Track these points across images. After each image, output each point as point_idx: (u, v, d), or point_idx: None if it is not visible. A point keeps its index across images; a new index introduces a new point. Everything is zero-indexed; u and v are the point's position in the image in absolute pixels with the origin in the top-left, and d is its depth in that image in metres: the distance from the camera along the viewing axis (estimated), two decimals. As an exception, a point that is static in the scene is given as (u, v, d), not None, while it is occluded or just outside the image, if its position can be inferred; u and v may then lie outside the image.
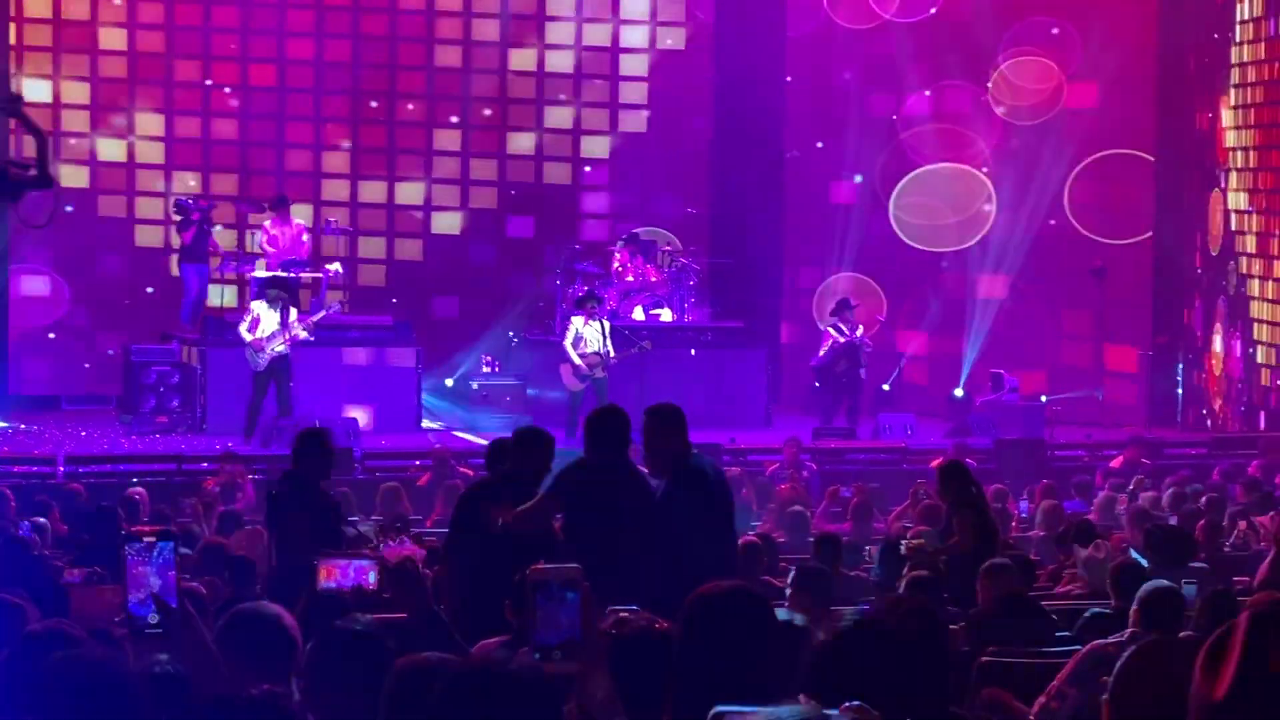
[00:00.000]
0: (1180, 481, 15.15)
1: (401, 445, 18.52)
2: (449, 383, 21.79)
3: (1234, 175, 20.50)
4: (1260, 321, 20.06)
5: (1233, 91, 20.46)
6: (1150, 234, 22.12)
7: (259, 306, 18.61)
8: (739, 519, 9.69)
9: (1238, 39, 20.36)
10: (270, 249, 20.18)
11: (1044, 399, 21.23)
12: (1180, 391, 21.59)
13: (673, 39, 24.29)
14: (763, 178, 23.66)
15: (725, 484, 8.68)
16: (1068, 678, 6.99)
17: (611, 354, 19.08)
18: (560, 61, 24.04)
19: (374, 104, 23.87)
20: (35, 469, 17.05)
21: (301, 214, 21.39)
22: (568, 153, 24.18)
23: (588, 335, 19.06)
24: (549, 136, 24.07)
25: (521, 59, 23.98)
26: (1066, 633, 8.42)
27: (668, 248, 22.04)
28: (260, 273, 20.02)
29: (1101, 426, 20.75)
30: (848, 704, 3.58)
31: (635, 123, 24.24)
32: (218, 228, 20.99)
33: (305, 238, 20.53)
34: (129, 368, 20.16)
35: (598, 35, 24.11)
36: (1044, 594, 10.24)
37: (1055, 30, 22.28)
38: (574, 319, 19.36)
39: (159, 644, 3.97)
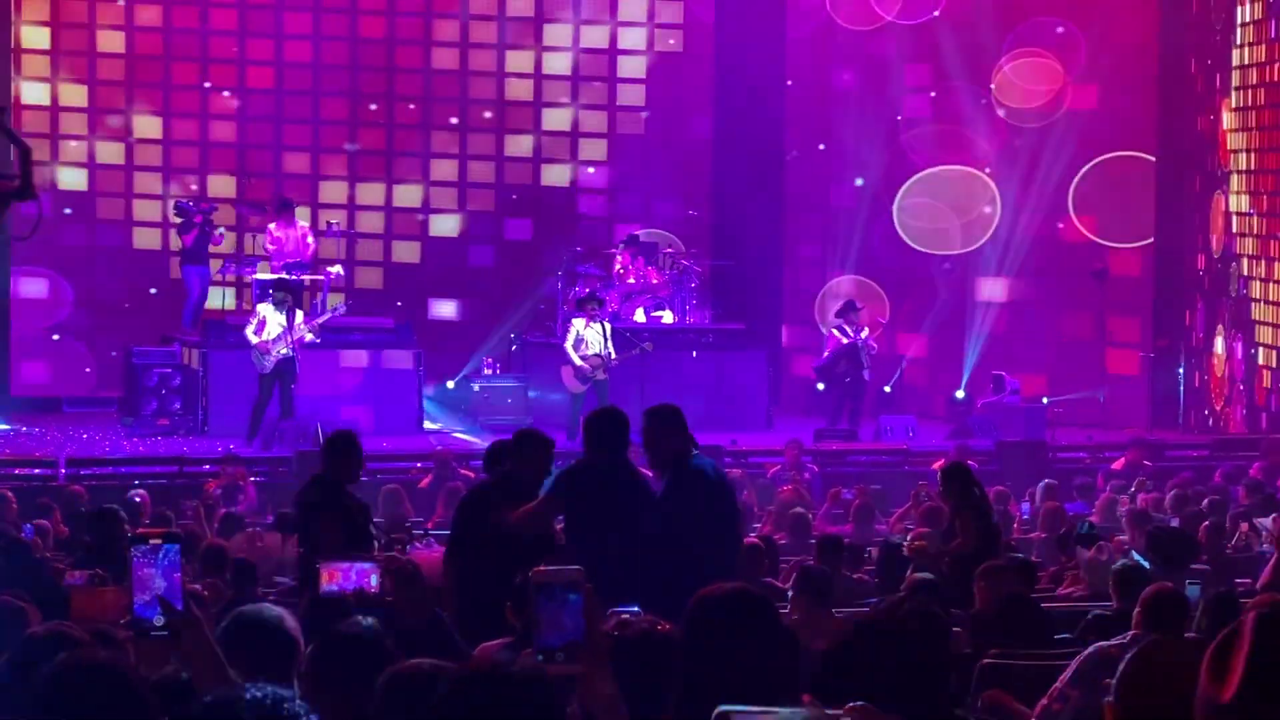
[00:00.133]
0: (1183, 484, 15.15)
1: (402, 447, 18.52)
2: (450, 385, 21.79)
3: (1235, 177, 20.49)
4: (1262, 323, 20.05)
5: (1234, 93, 20.45)
6: (1152, 236, 22.10)
7: (264, 309, 18.61)
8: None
9: (1239, 41, 20.36)
10: (273, 249, 20.21)
11: (1045, 401, 21.22)
12: (1182, 393, 21.58)
13: (672, 41, 24.28)
14: (763, 180, 23.66)
15: (726, 484, 8.67)
16: (1070, 680, 6.97)
17: (613, 356, 19.08)
18: (558, 64, 24.04)
19: (373, 106, 23.87)
20: (36, 471, 17.06)
21: (300, 216, 21.38)
22: (566, 155, 24.18)
23: (589, 337, 19.06)
24: (547, 139, 24.07)
25: (519, 61, 23.98)
26: (1068, 635, 8.42)
27: (669, 250, 22.05)
28: (262, 275, 20.03)
29: (1103, 428, 20.75)
30: (851, 704, 3.58)
31: (634, 125, 24.23)
32: (220, 230, 21.00)
33: (310, 240, 20.55)
34: (130, 370, 20.17)
35: (596, 37, 24.10)
36: (1045, 596, 10.24)
37: (1060, 29, 22.24)
38: (575, 321, 19.35)
39: (165, 646, 3.97)
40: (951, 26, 22.74)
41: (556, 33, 24.01)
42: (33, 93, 22.77)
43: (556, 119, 24.10)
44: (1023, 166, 22.36)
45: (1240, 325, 20.52)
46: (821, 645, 6.04)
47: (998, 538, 10.70)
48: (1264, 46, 19.88)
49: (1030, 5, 22.66)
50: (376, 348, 20.43)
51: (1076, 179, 22.19)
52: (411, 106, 23.90)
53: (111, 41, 23.10)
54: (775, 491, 15.99)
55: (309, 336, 18.67)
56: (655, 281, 21.24)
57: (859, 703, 3.57)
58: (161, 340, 20.81)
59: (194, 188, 23.10)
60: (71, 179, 23.03)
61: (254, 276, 20.35)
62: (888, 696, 3.74)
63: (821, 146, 23.97)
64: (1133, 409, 21.70)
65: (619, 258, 21.25)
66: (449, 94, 23.85)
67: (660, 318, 21.18)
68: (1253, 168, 20.18)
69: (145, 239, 23.30)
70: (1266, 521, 12.90)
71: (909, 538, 11.15)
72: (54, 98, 22.90)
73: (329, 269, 20.78)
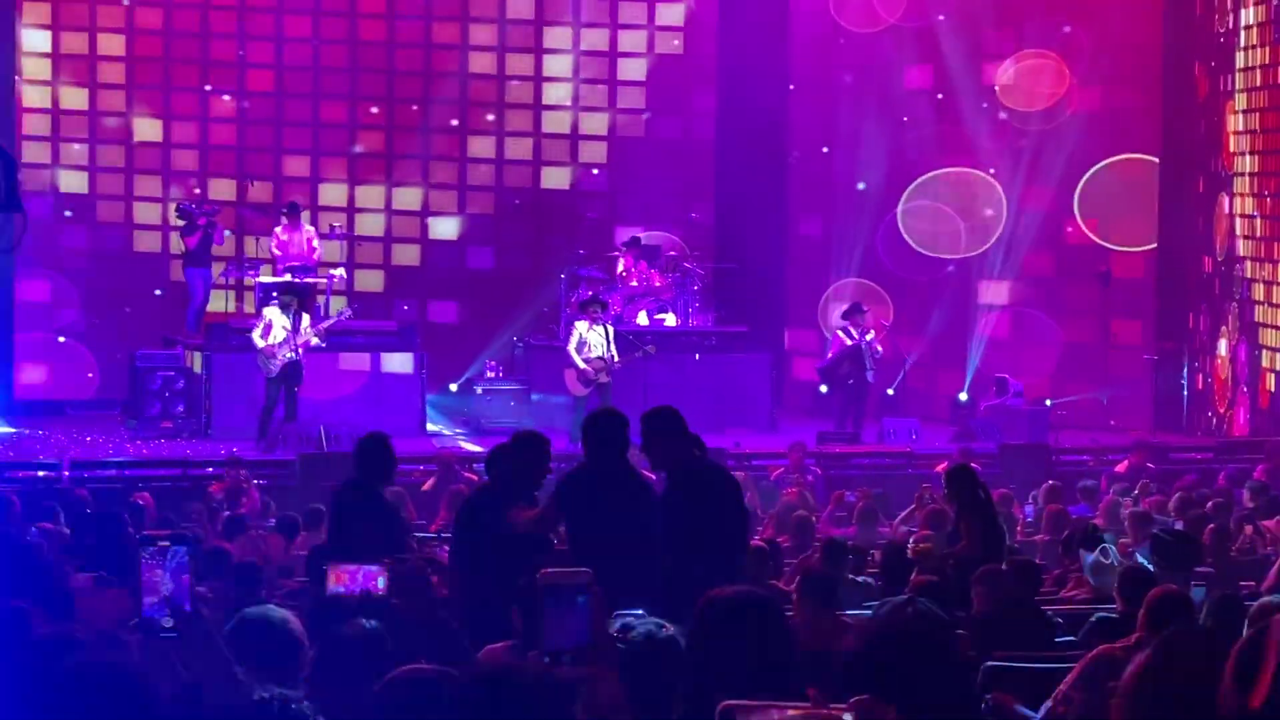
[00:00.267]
0: (1187, 487, 15.12)
1: (405, 450, 18.43)
2: (453, 388, 21.79)
3: (1240, 180, 20.47)
4: (1266, 326, 20.03)
5: (1239, 96, 20.43)
6: (1156, 238, 22.08)
7: (271, 312, 18.60)
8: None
9: (1243, 43, 20.34)
10: (278, 253, 20.22)
11: (1049, 403, 21.21)
12: (1185, 396, 21.56)
13: (675, 42, 24.28)
14: (766, 182, 23.65)
15: (730, 485, 8.62)
16: (1074, 682, 6.96)
17: (616, 359, 19.07)
18: (559, 66, 24.03)
19: (373, 109, 23.87)
20: (40, 474, 17.06)
21: (304, 220, 21.38)
22: (567, 158, 24.18)
23: (592, 340, 19.05)
24: (548, 141, 24.07)
25: (520, 64, 23.97)
26: (1072, 637, 8.41)
27: (672, 253, 22.04)
28: (266, 278, 20.02)
29: (1106, 431, 20.73)
30: (855, 698, 3.58)
31: (636, 127, 24.23)
32: (226, 233, 20.99)
33: (317, 243, 20.55)
34: (134, 373, 20.17)
35: (597, 39, 24.10)
36: (1049, 598, 10.23)
37: (1064, 31, 22.24)
38: (578, 324, 19.34)
39: (173, 647, 3.98)
40: (954, 28, 22.73)
41: (557, 35, 24.02)
42: (34, 96, 22.77)
43: (557, 121, 24.10)
44: (1026, 169, 22.34)
45: (1244, 328, 20.50)
46: (824, 648, 6.05)
47: (1002, 540, 10.69)
48: (1269, 49, 19.86)
49: (1034, 7, 22.65)
50: (380, 350, 20.42)
51: (1081, 182, 22.17)
52: (412, 109, 23.89)
53: (112, 44, 23.10)
54: (778, 494, 15.97)
55: (315, 340, 18.66)
56: (658, 284, 21.24)
57: (863, 695, 3.58)
58: (164, 343, 20.81)
59: (196, 190, 23.10)
60: (72, 182, 23.03)
61: (257, 280, 20.36)
62: (893, 698, 3.74)
63: (825, 149, 23.97)
64: (1136, 412, 21.68)
65: (622, 260, 21.26)
66: (449, 96, 23.85)
67: (663, 320, 21.18)
68: (1257, 170, 20.15)
69: (145, 242, 23.30)
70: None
71: (913, 540, 11.13)
72: (55, 100, 22.91)
73: (332, 272, 20.78)
